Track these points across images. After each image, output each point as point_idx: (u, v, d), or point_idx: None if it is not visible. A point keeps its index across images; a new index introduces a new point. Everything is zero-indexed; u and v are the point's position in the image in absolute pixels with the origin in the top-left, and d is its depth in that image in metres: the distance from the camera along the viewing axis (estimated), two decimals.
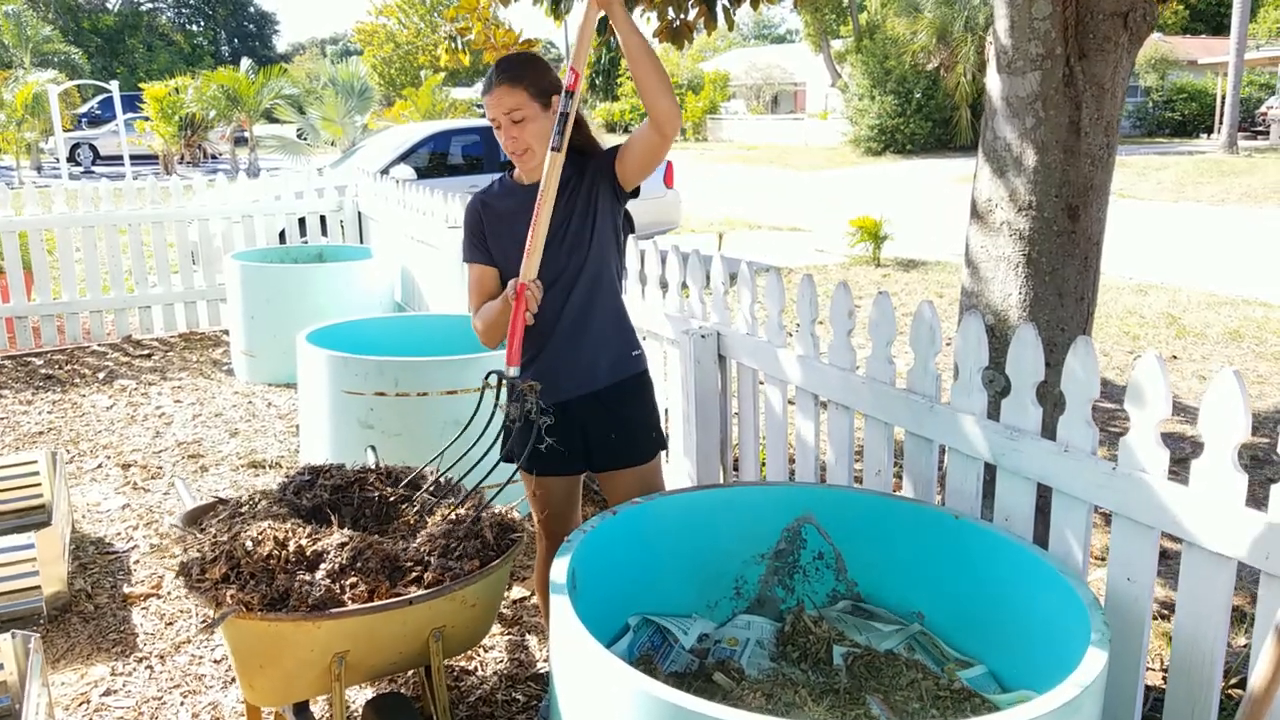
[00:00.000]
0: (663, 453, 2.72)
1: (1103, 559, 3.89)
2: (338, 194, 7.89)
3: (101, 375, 6.43)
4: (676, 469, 3.58)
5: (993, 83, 2.77)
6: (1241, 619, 3.30)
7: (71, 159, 27.58)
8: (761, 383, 3.19)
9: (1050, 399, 2.68)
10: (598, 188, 2.53)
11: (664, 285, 3.64)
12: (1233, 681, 2.85)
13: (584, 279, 2.55)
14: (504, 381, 2.30)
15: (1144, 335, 7.42)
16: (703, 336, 3.25)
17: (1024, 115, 2.65)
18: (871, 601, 2.46)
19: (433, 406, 3.74)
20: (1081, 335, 2.05)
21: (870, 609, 2.46)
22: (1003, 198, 2.73)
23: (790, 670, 2.36)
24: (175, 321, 7.48)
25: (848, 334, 2.74)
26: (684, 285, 3.52)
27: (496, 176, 2.71)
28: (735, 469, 3.46)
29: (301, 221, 7.93)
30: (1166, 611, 3.45)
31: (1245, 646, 3.15)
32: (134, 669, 3.07)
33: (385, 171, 9.40)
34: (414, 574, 2.05)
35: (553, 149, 2.34)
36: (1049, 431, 2.18)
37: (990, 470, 2.32)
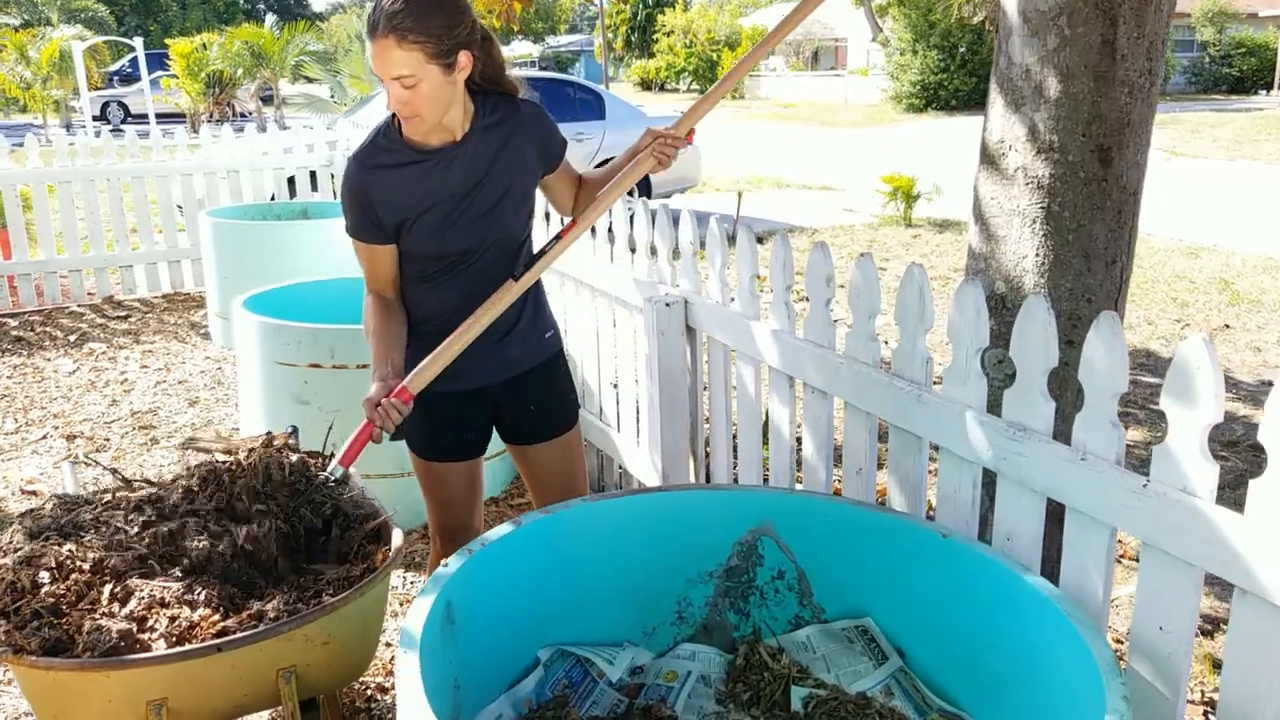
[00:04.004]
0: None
1: (1135, 560, 3.41)
2: (328, 149, 7.47)
3: (73, 338, 6.11)
4: (642, 461, 3.14)
5: None
6: None
7: (102, 117, 27.47)
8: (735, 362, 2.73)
9: (1072, 386, 2.20)
10: (532, 159, 2.17)
11: (633, 247, 3.18)
12: None
13: (517, 253, 2.21)
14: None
15: (1194, 302, 6.82)
16: (667, 305, 2.79)
17: (1045, 34, 2.13)
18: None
19: None
20: (1108, 310, 1.57)
21: (840, 628, 2.02)
22: (1018, 138, 2.22)
23: (738, 716, 1.93)
24: (159, 281, 7.15)
25: (827, 304, 2.28)
26: (652, 248, 3.06)
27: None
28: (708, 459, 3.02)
29: (291, 181, 7.53)
30: (1209, 626, 2.97)
31: None
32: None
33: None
34: (256, 609, 1.64)
35: (514, 277, 2.06)
36: (1068, 431, 1.71)
37: (991, 475, 1.86)
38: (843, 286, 2.18)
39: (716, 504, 2.02)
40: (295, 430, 2.92)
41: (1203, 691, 2.65)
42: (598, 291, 3.41)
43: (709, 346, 2.80)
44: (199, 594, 1.64)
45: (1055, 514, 1.77)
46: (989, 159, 2.32)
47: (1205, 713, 2.58)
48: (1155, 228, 9.16)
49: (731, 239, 2.60)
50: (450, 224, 2.07)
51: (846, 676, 1.95)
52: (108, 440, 4.46)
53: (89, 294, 7.06)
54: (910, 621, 1.92)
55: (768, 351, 2.45)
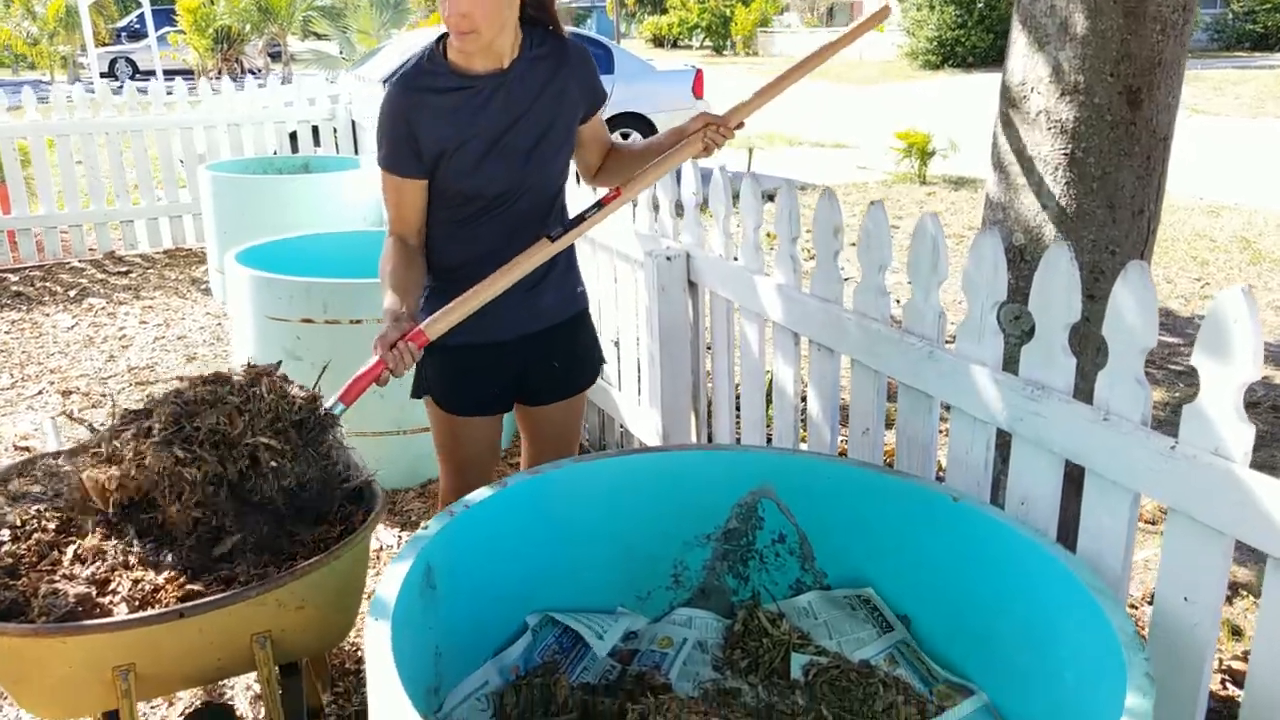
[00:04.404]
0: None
1: (1153, 522, 3.31)
2: (330, 102, 7.33)
3: (73, 293, 6.03)
4: (643, 420, 3.05)
5: None
6: None
7: (110, 74, 27.26)
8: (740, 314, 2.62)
9: (1093, 343, 2.09)
10: (576, 101, 2.07)
11: (635, 200, 3.06)
12: None
13: (551, 203, 2.12)
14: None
15: (1214, 261, 6.66)
16: (669, 259, 2.68)
17: None
18: None
19: (369, 335, 3.19)
20: (1135, 260, 1.46)
21: (841, 596, 1.93)
22: (1041, 79, 2.09)
23: (736, 684, 1.85)
24: (160, 237, 7.05)
25: (835, 257, 2.17)
26: (655, 202, 2.94)
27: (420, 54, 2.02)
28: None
29: (293, 136, 7.38)
30: (1227, 592, 2.87)
31: None
32: None
33: (390, 79, 8.80)
34: (225, 572, 1.56)
35: (549, 237, 1.95)
36: (1088, 390, 1.60)
37: (1005, 437, 1.75)
38: (853, 244, 2.09)
39: (714, 465, 1.93)
40: (280, 365, 2.81)
41: (1220, 659, 2.56)
42: (598, 245, 3.29)
43: (711, 302, 2.70)
44: (165, 556, 1.56)
45: (1073, 477, 1.67)
46: (1009, 102, 2.19)
47: (1223, 680, 2.49)
48: (1176, 185, 8.93)
49: (736, 195, 2.48)
50: (490, 158, 1.98)
51: (849, 644, 1.87)
52: (104, 396, 4.39)
53: (90, 249, 6.98)
54: (918, 587, 1.82)
55: (772, 307, 2.34)
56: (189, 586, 1.53)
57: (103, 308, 5.73)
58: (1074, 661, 1.46)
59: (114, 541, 1.58)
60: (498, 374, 2.17)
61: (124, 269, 6.60)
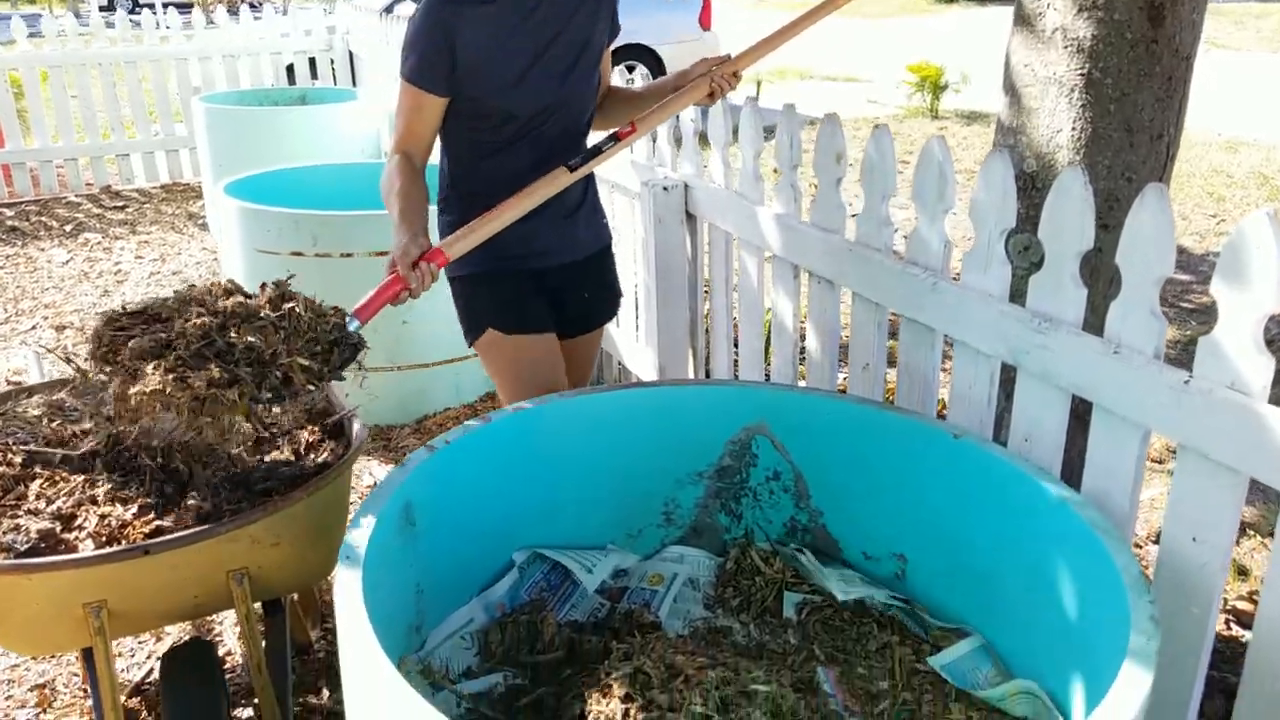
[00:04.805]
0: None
1: (1160, 461, 3.25)
2: (327, 33, 7.15)
3: (69, 228, 5.95)
4: (640, 357, 2.97)
5: None
6: None
7: (110, 6, 26.80)
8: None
9: (1104, 275, 2.00)
10: (605, 24, 2.08)
11: None
12: None
13: (583, 130, 2.09)
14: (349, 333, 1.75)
15: (1231, 197, 6.50)
16: (665, 189, 2.59)
17: None
18: (842, 536, 1.87)
19: (360, 270, 3.15)
20: (1154, 183, 1.37)
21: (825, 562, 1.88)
22: None
23: (727, 622, 1.80)
24: (157, 171, 6.94)
25: (837, 184, 2.07)
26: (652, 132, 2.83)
27: None
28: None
29: (290, 70, 7.22)
30: None
31: None
32: None
33: (390, 9, 8.59)
34: (196, 506, 1.50)
35: (568, 167, 1.90)
36: (1097, 326, 1.52)
37: (1010, 373, 1.68)
38: (858, 181, 2.01)
39: (707, 400, 1.86)
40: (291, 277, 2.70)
41: (1225, 599, 2.52)
42: (598, 179, 3.19)
43: (710, 235, 2.61)
44: (134, 490, 1.50)
45: (1079, 414, 1.60)
46: (1024, 19, 2.07)
47: (1228, 620, 2.45)
48: (1193, 120, 8.70)
49: (736, 128, 2.39)
50: (534, 71, 1.93)
51: (841, 585, 1.82)
52: None
53: (87, 184, 6.88)
54: (917, 525, 1.76)
55: (771, 237, 2.25)
56: (158, 522, 1.48)
57: (98, 243, 5.65)
58: (1077, 603, 1.41)
59: (81, 476, 1.52)
60: (541, 298, 2.14)
61: (120, 204, 6.51)
